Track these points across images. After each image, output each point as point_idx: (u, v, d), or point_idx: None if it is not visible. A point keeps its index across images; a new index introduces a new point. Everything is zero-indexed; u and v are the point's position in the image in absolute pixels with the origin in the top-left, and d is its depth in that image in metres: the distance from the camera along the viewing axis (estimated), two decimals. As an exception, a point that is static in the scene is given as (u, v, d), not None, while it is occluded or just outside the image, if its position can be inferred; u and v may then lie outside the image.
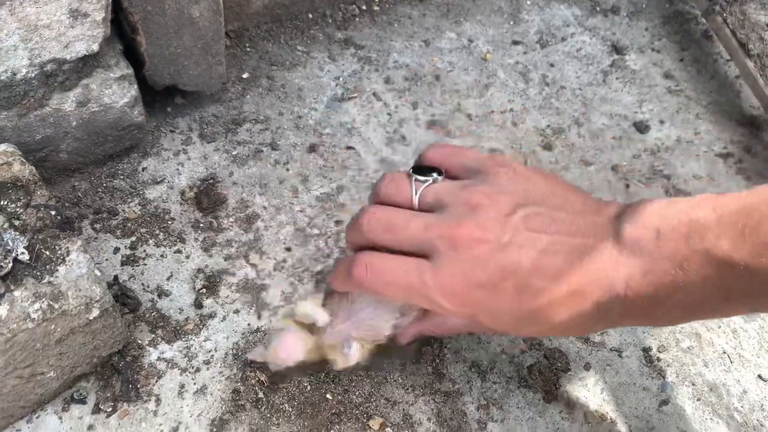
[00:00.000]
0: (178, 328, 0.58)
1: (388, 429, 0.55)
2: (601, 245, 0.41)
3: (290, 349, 0.52)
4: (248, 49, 0.76)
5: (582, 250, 0.41)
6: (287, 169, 0.68)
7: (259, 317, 0.59)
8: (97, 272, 0.48)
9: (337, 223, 0.65)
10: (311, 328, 0.53)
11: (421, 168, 0.48)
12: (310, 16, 0.79)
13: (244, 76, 0.74)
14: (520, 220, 0.43)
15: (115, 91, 0.58)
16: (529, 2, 0.86)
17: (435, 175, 0.47)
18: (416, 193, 0.47)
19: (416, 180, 0.47)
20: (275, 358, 0.52)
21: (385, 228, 0.46)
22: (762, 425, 0.58)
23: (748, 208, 0.37)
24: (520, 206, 0.43)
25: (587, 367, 0.60)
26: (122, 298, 0.58)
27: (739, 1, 0.79)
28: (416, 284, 0.44)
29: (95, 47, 0.53)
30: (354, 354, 0.52)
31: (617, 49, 0.83)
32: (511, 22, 0.83)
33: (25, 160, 0.50)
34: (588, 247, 0.41)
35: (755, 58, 0.76)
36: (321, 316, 0.51)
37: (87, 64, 0.55)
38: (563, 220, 0.43)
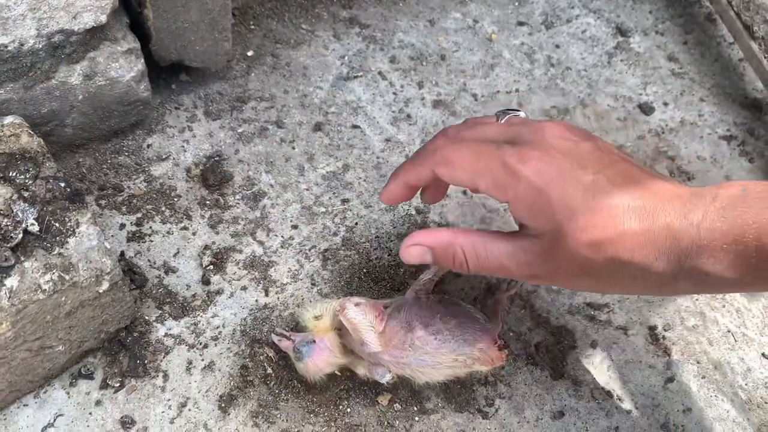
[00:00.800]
0: (185, 304, 0.58)
1: (396, 404, 0.55)
2: (679, 186, 0.42)
3: (321, 366, 0.52)
4: (252, 26, 0.75)
5: (660, 180, 0.43)
6: (293, 147, 0.68)
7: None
8: (107, 245, 0.48)
9: (344, 201, 0.65)
10: (346, 340, 0.52)
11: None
12: (315, -6, 0.78)
13: (249, 54, 0.73)
14: (603, 146, 0.45)
15: (122, 65, 0.57)
16: (533, -17, 0.85)
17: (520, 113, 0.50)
18: (501, 120, 0.49)
19: (499, 113, 0.50)
20: (305, 372, 0.52)
21: (467, 127, 0.49)
22: (766, 402, 0.59)
23: None
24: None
25: (594, 344, 0.60)
26: (129, 274, 0.57)
27: (744, -16, 0.79)
28: (494, 152, 0.44)
29: (103, 18, 0.52)
30: (385, 380, 0.52)
31: (621, 31, 0.83)
32: (516, 3, 0.83)
33: (32, 132, 0.50)
34: (666, 181, 0.43)
35: (760, 40, 0.76)
36: (374, 346, 0.50)
37: (94, 37, 0.54)
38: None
